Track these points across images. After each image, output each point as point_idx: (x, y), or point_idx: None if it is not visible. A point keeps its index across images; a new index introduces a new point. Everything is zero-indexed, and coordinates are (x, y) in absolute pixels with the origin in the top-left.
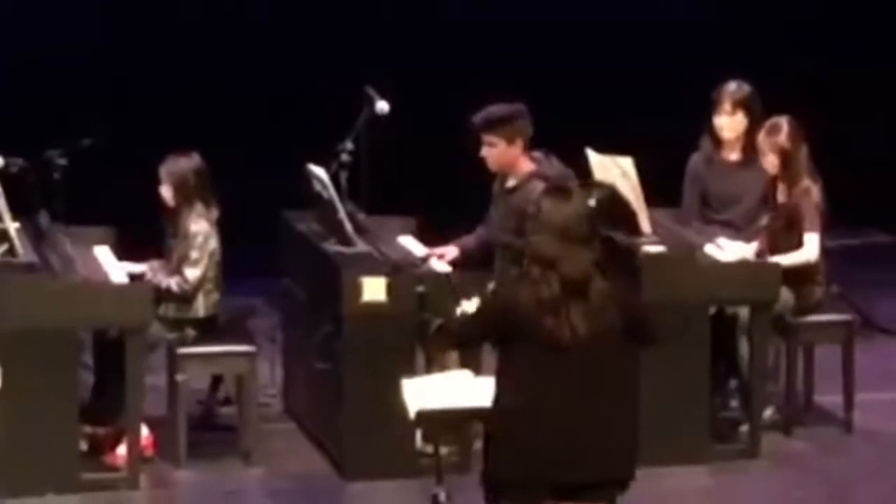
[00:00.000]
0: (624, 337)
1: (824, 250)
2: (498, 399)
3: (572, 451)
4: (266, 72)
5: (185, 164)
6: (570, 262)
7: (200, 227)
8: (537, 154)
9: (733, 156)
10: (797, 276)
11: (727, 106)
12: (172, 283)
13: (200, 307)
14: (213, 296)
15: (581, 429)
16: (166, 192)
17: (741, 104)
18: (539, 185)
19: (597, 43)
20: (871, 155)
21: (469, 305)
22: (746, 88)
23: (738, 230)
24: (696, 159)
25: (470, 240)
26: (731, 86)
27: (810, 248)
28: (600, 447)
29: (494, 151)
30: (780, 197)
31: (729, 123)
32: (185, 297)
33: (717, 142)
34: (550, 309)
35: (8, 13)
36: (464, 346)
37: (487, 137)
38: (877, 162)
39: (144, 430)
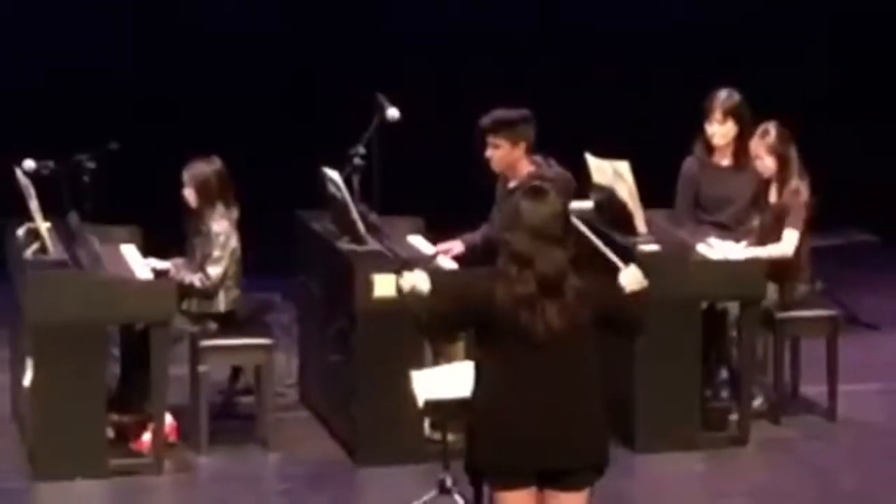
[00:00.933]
0: (596, 329)
1: (811, 249)
2: (476, 390)
3: (549, 440)
4: (283, 81)
5: (207, 167)
6: (546, 261)
7: (221, 226)
8: (537, 157)
9: (724, 161)
10: (784, 273)
11: (718, 114)
12: (195, 279)
13: (221, 302)
14: (233, 292)
15: (556, 418)
16: (189, 193)
17: (731, 112)
18: (549, 187)
19: (598, 49)
20: (856, 159)
21: (412, 277)
22: (736, 97)
23: (729, 230)
24: (689, 163)
25: (475, 236)
26: (722, 94)
27: (788, 243)
28: (575, 435)
29: (498, 153)
30: (772, 197)
31: (720, 131)
32: (207, 293)
33: (709, 148)
34: (526, 305)
35: (35, 24)
36: (435, 337)
37: (493, 139)
38: (861, 166)
39: (168, 419)
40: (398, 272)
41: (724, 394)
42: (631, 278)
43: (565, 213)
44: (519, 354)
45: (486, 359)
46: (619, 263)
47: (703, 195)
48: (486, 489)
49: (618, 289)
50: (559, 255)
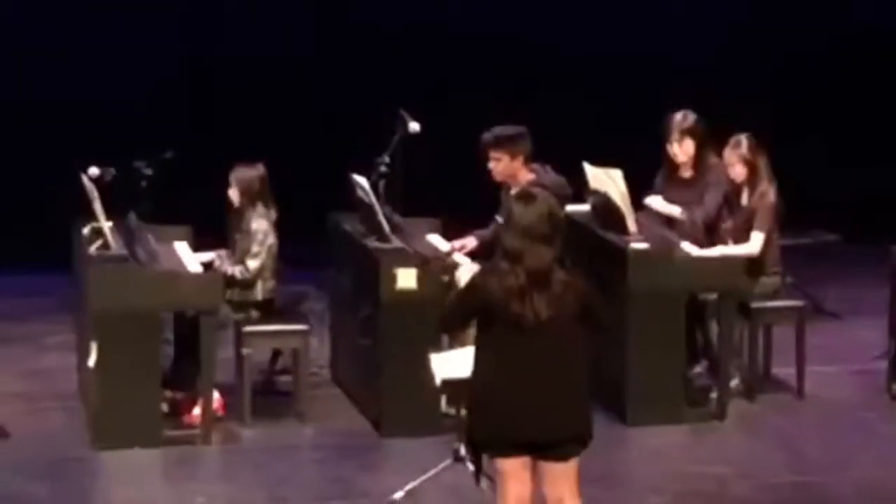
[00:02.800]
0: (578, 320)
1: (781, 247)
2: (475, 372)
3: (537, 416)
4: (320, 98)
5: (251, 171)
6: (534, 257)
7: (261, 225)
8: (535, 165)
9: (687, 173)
10: (758, 268)
11: (676, 135)
12: (236, 271)
13: (259, 291)
14: (270, 282)
15: (544, 397)
16: (234, 194)
17: (687, 132)
18: (537, 192)
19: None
20: (822, 167)
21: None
22: (691, 118)
23: (687, 238)
24: (658, 178)
25: (486, 233)
26: (678, 117)
27: (755, 244)
28: (560, 411)
29: (500, 165)
30: (744, 200)
31: (679, 149)
32: (246, 283)
33: (672, 164)
34: (517, 296)
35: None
36: (449, 331)
37: (494, 153)
38: (826, 174)
39: (216, 395)
40: (418, 266)
41: (705, 375)
42: None
43: (552, 215)
44: (511, 340)
45: (482, 344)
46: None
47: (669, 202)
48: (485, 460)
49: (595, 287)
50: (546, 251)
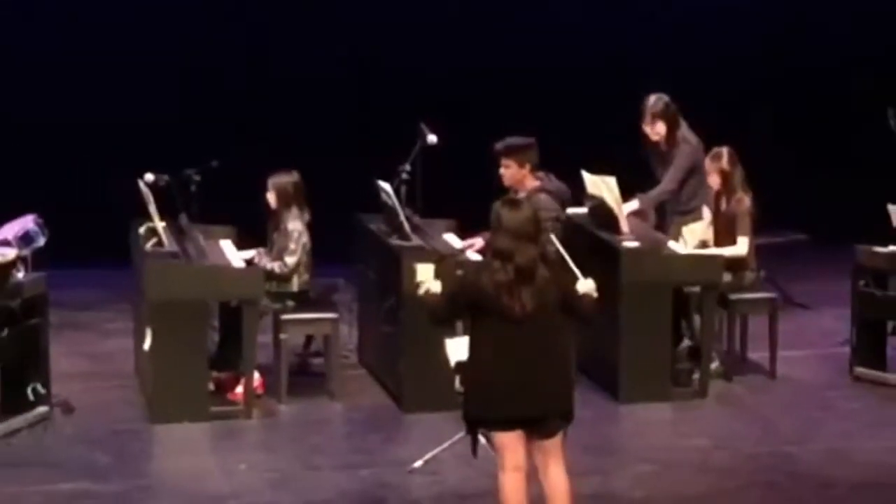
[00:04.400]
0: (560, 311)
1: (756, 246)
2: (470, 358)
3: (527, 395)
4: (349, 113)
5: (287, 178)
6: (522, 255)
7: (296, 225)
8: (540, 173)
9: (664, 148)
10: (735, 265)
11: (648, 118)
12: (275, 266)
13: (295, 284)
14: (304, 276)
15: (530, 378)
16: (271, 197)
17: (658, 115)
18: (542, 197)
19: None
20: (791, 175)
21: (429, 281)
22: (661, 102)
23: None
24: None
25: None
26: (650, 100)
27: (741, 246)
28: (545, 391)
29: (509, 172)
30: (723, 206)
31: (652, 129)
32: (283, 277)
33: (648, 141)
34: (506, 290)
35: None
36: (440, 323)
37: (504, 161)
38: (796, 180)
39: (257, 375)
40: (435, 262)
41: (689, 358)
42: (584, 287)
43: (536, 218)
44: (501, 329)
45: (475, 333)
46: (579, 274)
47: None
48: (479, 436)
49: (574, 283)
50: (532, 250)
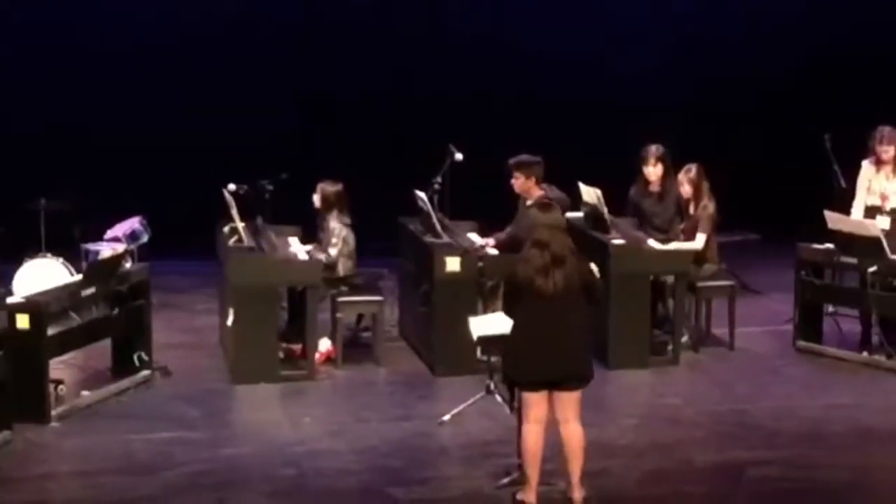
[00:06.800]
0: (581, 293)
1: (718, 243)
2: (512, 330)
3: (554, 360)
4: (389, 131)
5: (330, 187)
6: (557, 243)
7: (336, 224)
8: (544, 185)
9: (655, 188)
10: (701, 258)
11: (651, 160)
12: (323, 257)
13: (340, 270)
14: (349, 263)
15: (558, 346)
16: (316, 199)
17: (659, 159)
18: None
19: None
20: (748, 186)
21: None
22: (662, 149)
23: (658, 232)
24: (633, 191)
25: (502, 234)
26: (653, 148)
27: (699, 242)
28: (570, 357)
29: (518, 182)
30: (691, 210)
31: (653, 172)
32: (330, 266)
33: (645, 181)
34: (542, 273)
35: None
36: (510, 313)
37: (515, 173)
38: (751, 190)
39: (329, 344)
40: (461, 255)
41: (664, 332)
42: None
43: (564, 216)
44: (534, 306)
45: (517, 310)
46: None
47: (642, 211)
48: (516, 392)
49: (591, 270)
50: (565, 240)
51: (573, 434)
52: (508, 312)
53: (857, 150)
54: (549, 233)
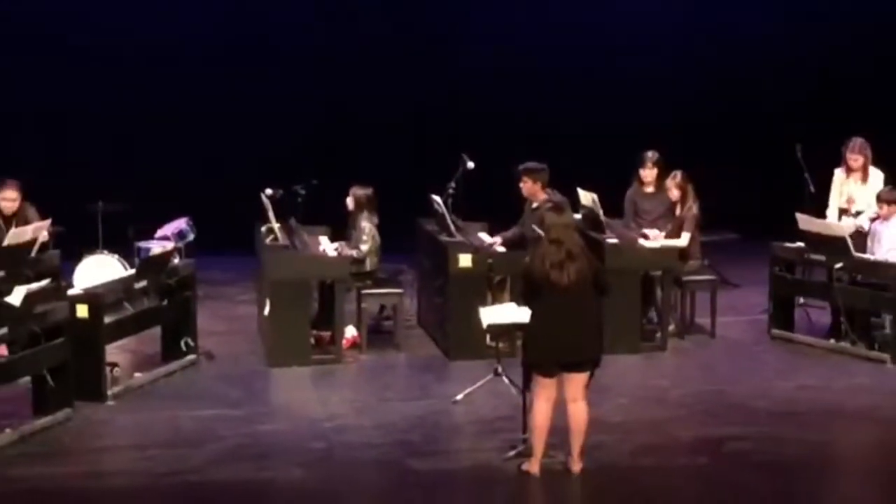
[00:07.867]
0: (592, 284)
1: (701, 242)
2: (531, 319)
3: (569, 344)
4: (417, 150)
5: (361, 190)
6: (570, 240)
7: (366, 224)
8: (549, 190)
9: (650, 189)
10: (687, 255)
11: (649, 164)
12: (354, 253)
13: (367, 265)
14: (374, 259)
15: (572, 332)
16: (349, 202)
17: (655, 164)
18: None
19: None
20: (730, 190)
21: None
22: (657, 155)
23: (652, 226)
24: (630, 191)
25: (509, 233)
26: (649, 153)
27: (684, 240)
28: (582, 343)
29: (526, 186)
30: (678, 212)
31: (650, 174)
32: (359, 261)
33: (641, 182)
34: (557, 266)
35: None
36: (528, 304)
37: (523, 178)
38: (732, 194)
39: (355, 332)
40: (472, 253)
41: (654, 321)
42: None
43: (574, 217)
44: (551, 297)
45: (534, 301)
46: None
47: (638, 209)
48: (532, 375)
49: (600, 264)
50: (578, 238)
51: (580, 411)
52: (528, 304)
53: (828, 160)
54: (564, 231)
